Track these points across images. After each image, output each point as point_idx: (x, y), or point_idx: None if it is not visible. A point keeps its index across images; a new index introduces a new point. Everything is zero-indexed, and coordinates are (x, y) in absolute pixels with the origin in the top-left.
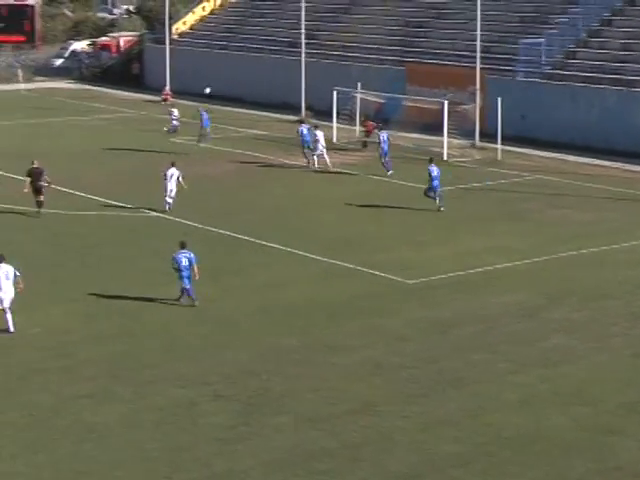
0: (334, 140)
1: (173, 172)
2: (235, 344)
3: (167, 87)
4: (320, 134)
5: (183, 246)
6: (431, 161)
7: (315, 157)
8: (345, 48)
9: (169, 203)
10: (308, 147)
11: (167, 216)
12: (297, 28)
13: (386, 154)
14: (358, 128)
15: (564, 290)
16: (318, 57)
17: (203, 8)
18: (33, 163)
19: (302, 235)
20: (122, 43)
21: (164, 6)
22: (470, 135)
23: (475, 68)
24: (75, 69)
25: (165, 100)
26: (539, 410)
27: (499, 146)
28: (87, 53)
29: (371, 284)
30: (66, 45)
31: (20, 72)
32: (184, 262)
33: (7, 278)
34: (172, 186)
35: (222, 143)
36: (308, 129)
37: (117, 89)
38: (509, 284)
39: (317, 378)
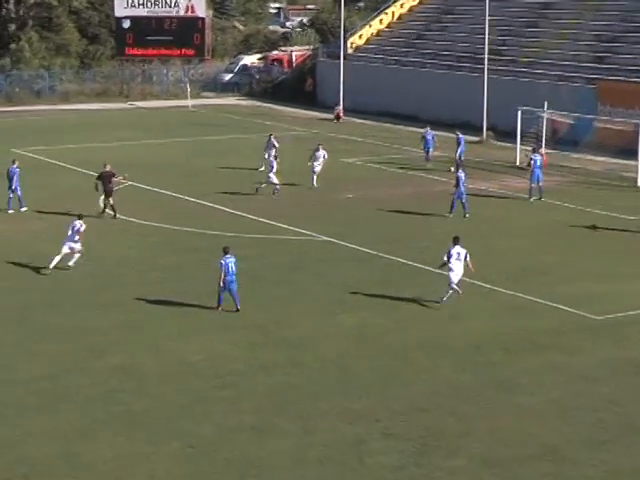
0: (517, 163)
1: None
2: (408, 378)
3: (340, 104)
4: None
5: (226, 252)
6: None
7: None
8: (531, 64)
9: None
10: (427, 151)
11: (333, 240)
12: (480, 43)
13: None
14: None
15: None
16: (502, 74)
17: (380, 21)
18: (105, 166)
19: (481, 264)
20: (294, 57)
21: (339, 19)
22: None
23: None
24: (245, 84)
25: (338, 118)
26: None
27: None
28: (258, 68)
29: (555, 319)
30: (236, 59)
31: (188, 87)
32: (231, 267)
33: None
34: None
35: (399, 164)
36: (432, 137)
37: (288, 106)
38: None
39: (494, 418)
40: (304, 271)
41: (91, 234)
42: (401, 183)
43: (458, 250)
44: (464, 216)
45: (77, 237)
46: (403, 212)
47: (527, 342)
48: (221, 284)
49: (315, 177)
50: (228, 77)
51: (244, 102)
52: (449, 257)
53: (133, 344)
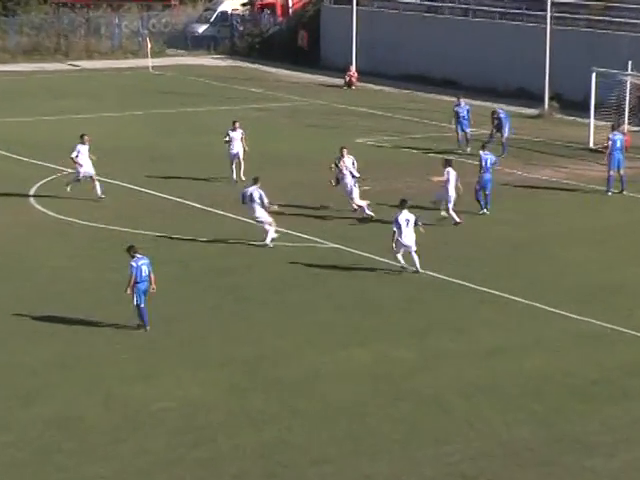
0: (591, 145)
1: None
2: (444, 434)
3: (353, 66)
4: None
5: (135, 251)
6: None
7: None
8: (610, 10)
9: None
10: (462, 130)
11: (343, 247)
12: None
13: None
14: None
15: None
16: (570, 23)
17: None
18: None
19: (543, 281)
20: (291, 2)
21: None
22: None
23: None
24: (224, 39)
25: (350, 84)
26: None
27: None
28: (242, 16)
29: None
30: (212, 5)
31: (148, 42)
32: (144, 272)
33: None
34: None
35: (431, 146)
36: (468, 111)
37: (283, 67)
38: None
39: None
40: (304, 289)
41: (15, 239)
42: (433, 171)
43: (407, 216)
44: (483, 211)
45: (261, 207)
46: (436, 209)
47: (604, 385)
48: (129, 291)
49: (365, 207)
50: (202, 29)
51: (223, 62)
52: (398, 227)
53: (74, 388)
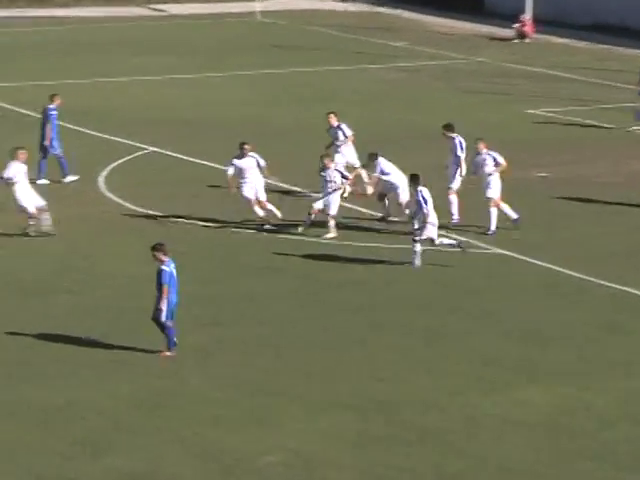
0: None
1: None
2: None
3: (527, 12)
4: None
5: (165, 252)
6: None
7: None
8: None
9: None
10: None
11: (513, 253)
12: None
13: None
14: None
15: None
16: None
17: None
18: None
19: None
20: None
21: None
22: None
23: None
24: None
25: (522, 36)
26: None
27: None
28: None
29: None
30: None
31: None
32: (175, 278)
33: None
34: None
35: (632, 120)
36: None
37: (434, 14)
38: None
39: None
40: (459, 310)
41: (83, 237)
42: (634, 153)
43: (428, 194)
44: None
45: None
46: (626, 204)
47: None
48: (163, 308)
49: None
50: None
51: (354, 7)
52: (426, 203)
53: (155, 433)
